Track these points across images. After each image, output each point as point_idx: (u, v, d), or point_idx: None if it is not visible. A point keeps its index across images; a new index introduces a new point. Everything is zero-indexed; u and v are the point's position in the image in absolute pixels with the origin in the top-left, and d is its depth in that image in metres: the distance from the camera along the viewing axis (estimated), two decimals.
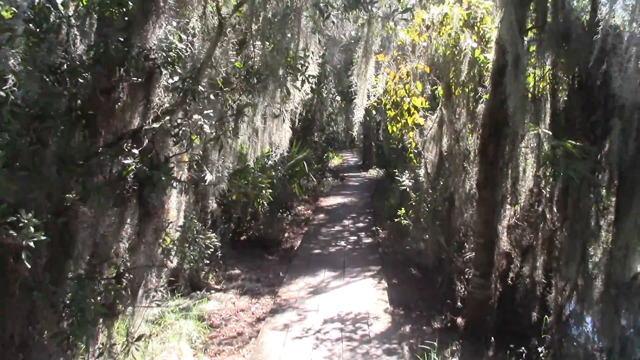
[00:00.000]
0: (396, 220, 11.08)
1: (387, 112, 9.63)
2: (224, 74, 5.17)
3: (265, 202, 14.84)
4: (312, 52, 5.63)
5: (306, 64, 5.32)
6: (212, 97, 4.65)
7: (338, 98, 15.82)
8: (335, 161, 34.59)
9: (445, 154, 10.17)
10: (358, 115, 7.59)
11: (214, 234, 5.86)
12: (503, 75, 7.30)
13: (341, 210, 17.57)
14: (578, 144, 5.69)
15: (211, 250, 5.66)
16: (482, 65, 8.65)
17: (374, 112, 13.87)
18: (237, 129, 5.91)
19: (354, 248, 12.79)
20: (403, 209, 10.53)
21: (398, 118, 9.37)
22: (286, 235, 14.70)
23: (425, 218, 9.50)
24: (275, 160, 14.56)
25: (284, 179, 16.33)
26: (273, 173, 14.63)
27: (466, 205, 9.47)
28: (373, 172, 29.15)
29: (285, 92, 5.37)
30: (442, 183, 9.96)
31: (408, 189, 10.26)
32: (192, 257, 5.30)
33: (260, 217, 14.73)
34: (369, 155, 33.32)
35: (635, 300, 5.94)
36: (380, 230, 15.06)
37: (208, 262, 11.39)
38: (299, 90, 5.63)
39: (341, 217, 16.34)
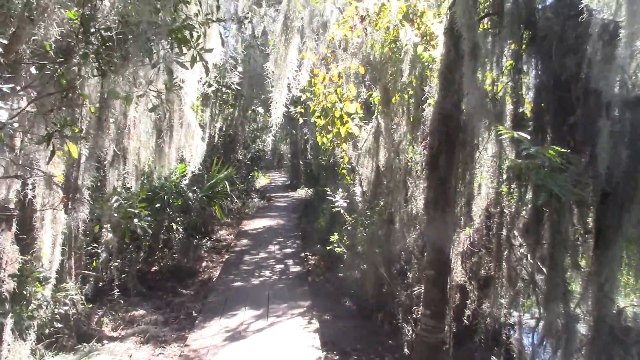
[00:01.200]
0: (328, 247, 9.59)
1: (316, 120, 8.19)
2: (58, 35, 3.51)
3: (179, 228, 13.14)
4: (211, 15, 4.03)
5: (199, 32, 3.71)
6: (33, 70, 3.01)
7: (261, 109, 14.25)
8: (261, 181, 32.99)
9: (383, 169, 8.87)
10: (276, 113, 6.02)
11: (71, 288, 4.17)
12: (454, 71, 6.06)
13: (267, 234, 15.96)
14: (563, 151, 4.39)
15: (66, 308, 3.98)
16: (425, 64, 7.38)
17: (299, 119, 12.41)
18: (101, 126, 4.25)
19: (280, 278, 11.19)
20: (335, 234, 9.04)
21: (329, 127, 7.94)
22: (204, 264, 12.95)
23: (362, 244, 8.07)
24: (188, 180, 12.89)
25: (202, 200, 14.65)
26: (190, 194, 12.93)
27: (409, 229, 8.15)
28: (301, 192, 27.77)
29: (164, 72, 3.75)
30: (380, 203, 8.61)
31: (342, 211, 8.81)
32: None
33: (175, 244, 12.97)
34: (297, 175, 31.92)
35: (635, 349, 4.65)
36: (310, 257, 13.58)
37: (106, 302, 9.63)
38: (188, 70, 3.99)
39: (267, 242, 14.73)
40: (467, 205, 6.51)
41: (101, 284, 10.38)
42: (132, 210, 8.75)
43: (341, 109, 7.84)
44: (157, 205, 12.27)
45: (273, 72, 5.82)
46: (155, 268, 12.57)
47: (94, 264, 11.01)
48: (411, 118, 7.75)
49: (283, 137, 41.34)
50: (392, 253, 8.44)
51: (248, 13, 12.97)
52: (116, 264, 11.61)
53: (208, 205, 15.42)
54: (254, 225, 17.54)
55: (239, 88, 13.70)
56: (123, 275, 11.43)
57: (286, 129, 36.38)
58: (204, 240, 14.74)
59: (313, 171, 27.00)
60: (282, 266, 12.24)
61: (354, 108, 7.86)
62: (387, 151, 8.75)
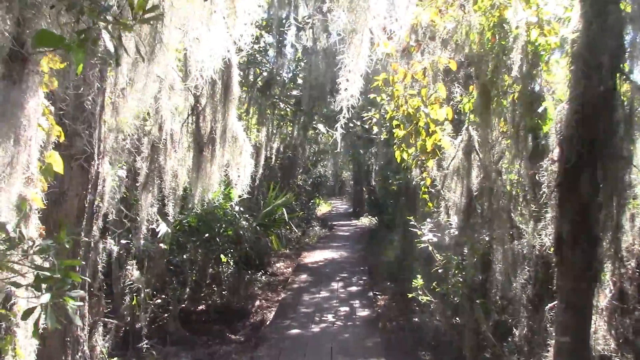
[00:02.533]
0: (410, 295, 7.68)
1: (394, 130, 6.41)
2: None
3: (229, 260, 11.57)
4: None
5: None
6: None
7: (322, 128, 12.64)
8: (323, 208, 31.38)
9: (476, 193, 7.01)
10: (351, 89, 4.18)
11: None
12: (599, 51, 4.21)
13: (329, 269, 14.16)
14: None
15: None
16: (541, 53, 5.55)
17: (373, 127, 10.70)
18: None
19: (346, 325, 9.34)
20: (419, 277, 7.11)
21: (411, 139, 6.16)
22: (257, 303, 11.27)
23: (458, 293, 6.15)
24: (239, 207, 11.35)
25: (257, 229, 13.07)
26: (242, 222, 11.35)
27: (514, 271, 6.22)
28: (365, 221, 26.00)
29: None
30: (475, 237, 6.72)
31: (430, 247, 6.88)
32: None
33: (224, 280, 11.38)
34: (360, 202, 30.20)
35: None
36: (379, 296, 11.70)
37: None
38: None
39: (329, 278, 12.92)
40: (614, 241, 4.57)
41: (139, 325, 8.89)
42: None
43: (427, 115, 6.05)
44: (206, 234, 10.79)
45: (340, 35, 4.05)
46: (201, 307, 11.00)
47: (134, 301, 9.63)
48: (520, 123, 5.87)
49: (345, 162, 39.95)
50: (488, 302, 6.52)
51: (309, 18, 11.47)
52: (159, 301, 10.20)
53: (263, 235, 13.86)
54: (314, 257, 15.80)
55: (297, 103, 12.15)
56: (166, 315, 9.97)
57: (349, 153, 34.91)
58: (258, 275, 13.13)
59: (377, 198, 25.23)
60: (347, 309, 10.38)
61: (444, 114, 6.05)
62: (483, 170, 6.90)
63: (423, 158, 6.31)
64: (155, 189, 7.32)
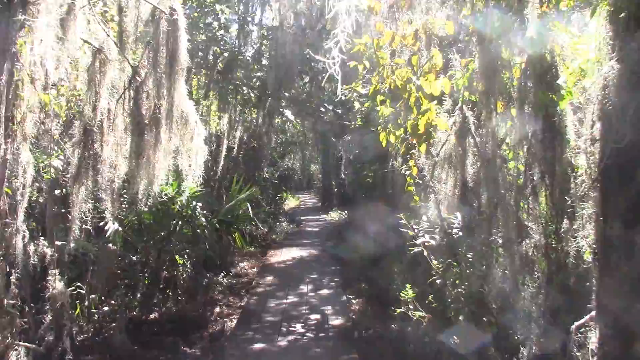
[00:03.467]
0: (397, 310, 6.48)
1: (379, 107, 5.22)
2: None
3: (186, 262, 10.29)
4: None
5: None
6: None
7: (290, 114, 11.40)
8: (291, 203, 30.15)
9: (471, 185, 5.96)
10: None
11: None
12: None
13: (297, 269, 12.96)
14: None
15: None
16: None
17: (355, 103, 9.56)
18: None
19: (317, 337, 8.17)
20: (408, 287, 5.87)
21: (399, 119, 5.00)
22: (217, 310, 10.01)
23: (461, 311, 4.99)
24: (198, 203, 10.12)
25: (219, 226, 11.86)
26: (202, 219, 10.10)
27: (522, 276, 5.14)
28: (334, 215, 24.86)
29: None
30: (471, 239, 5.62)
31: (425, 252, 5.67)
32: None
33: (181, 283, 10.09)
34: (329, 196, 29.09)
35: None
36: (353, 300, 10.56)
37: None
38: None
39: (297, 280, 11.71)
40: None
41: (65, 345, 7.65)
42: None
43: (419, 89, 4.89)
44: (160, 233, 9.54)
45: None
46: (154, 315, 9.71)
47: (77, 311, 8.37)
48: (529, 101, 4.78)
49: (314, 154, 38.71)
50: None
51: None
52: (106, 308, 8.92)
53: (226, 233, 12.61)
54: (281, 256, 14.57)
55: (262, 86, 10.90)
56: (113, 325, 8.72)
57: (319, 144, 33.63)
58: (220, 277, 11.86)
59: (348, 192, 24.06)
60: (318, 316, 9.21)
61: (440, 87, 4.90)
62: (480, 158, 5.81)
63: (414, 141, 5.15)
64: (90, 180, 6.06)
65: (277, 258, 14.22)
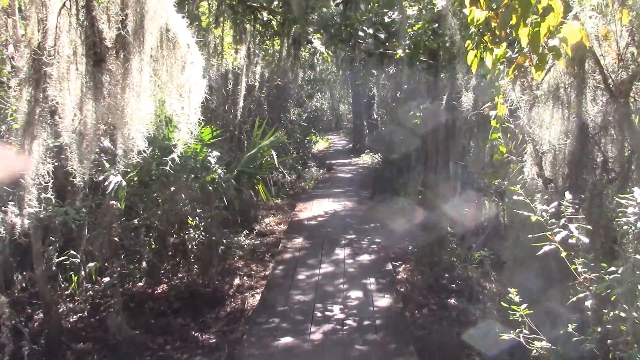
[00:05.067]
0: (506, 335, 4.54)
1: (468, 8, 3.21)
2: None
3: (200, 224, 8.59)
4: None
5: None
6: None
7: (318, 44, 9.34)
8: (319, 145, 28.26)
9: (596, 132, 4.04)
10: None
11: None
12: None
13: (331, 227, 11.12)
14: None
15: None
16: None
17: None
18: None
19: (361, 326, 6.39)
20: (514, 293, 3.83)
21: (499, 30, 3.01)
22: (236, 282, 8.38)
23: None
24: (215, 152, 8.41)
25: (240, 178, 10.14)
26: (218, 171, 8.34)
27: None
28: (366, 158, 23.01)
29: None
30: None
31: (564, 254, 3.64)
32: None
33: (193, 250, 8.41)
34: (360, 138, 27.08)
35: None
36: (400, 267, 8.81)
37: None
38: None
39: (332, 242, 9.89)
40: None
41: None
42: None
43: None
44: (172, 188, 7.87)
45: None
46: (161, 288, 8.13)
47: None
48: None
49: (344, 92, 36.41)
50: None
51: None
52: (107, 279, 7.43)
53: (248, 185, 10.89)
54: (312, 210, 12.75)
55: (285, 8, 8.82)
56: (109, 303, 7.27)
57: (355, 78, 31.19)
58: (242, 237, 10.18)
59: (382, 134, 22.04)
60: (359, 294, 7.43)
61: None
62: (608, 90, 3.86)
63: (525, 63, 3.17)
64: (45, 131, 4.31)
65: (307, 213, 12.42)
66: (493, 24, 3.12)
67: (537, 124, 4.28)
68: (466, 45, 3.52)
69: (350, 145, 28.61)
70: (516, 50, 3.16)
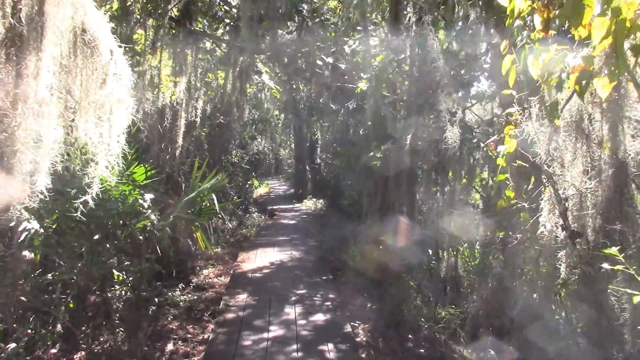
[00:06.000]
0: None
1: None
2: None
3: (127, 278, 7.33)
4: None
5: None
6: None
7: (266, 78, 8.38)
8: (260, 190, 27.19)
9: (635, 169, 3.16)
10: None
11: None
12: None
13: (278, 280, 9.96)
14: None
15: None
16: None
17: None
18: None
19: None
20: None
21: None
22: (169, 347, 7.10)
23: None
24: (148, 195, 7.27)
25: (175, 225, 8.91)
26: (152, 217, 7.15)
27: None
28: (309, 204, 22.14)
29: None
30: None
31: None
32: None
33: (118, 309, 7.12)
34: (303, 183, 26.21)
35: None
36: (359, 328, 7.74)
37: None
38: None
39: (281, 299, 8.72)
40: None
41: None
42: None
43: None
44: (96, 236, 6.62)
45: None
46: (79, 357, 6.78)
47: None
48: None
49: (283, 138, 35.65)
50: None
51: None
52: (12, 347, 6.05)
53: (185, 233, 9.67)
54: (256, 260, 11.57)
55: (232, 32, 7.85)
56: None
57: (290, 128, 30.59)
58: (177, 292, 8.94)
59: (325, 178, 21.25)
60: None
61: None
62: None
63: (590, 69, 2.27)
64: None
65: (251, 263, 11.22)
66: (539, 17, 2.22)
67: (559, 162, 3.41)
68: (502, 49, 2.62)
69: (292, 191, 27.72)
70: (576, 51, 2.27)
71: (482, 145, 6.46)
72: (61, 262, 6.63)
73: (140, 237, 7.03)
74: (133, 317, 6.91)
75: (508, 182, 3.69)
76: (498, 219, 3.98)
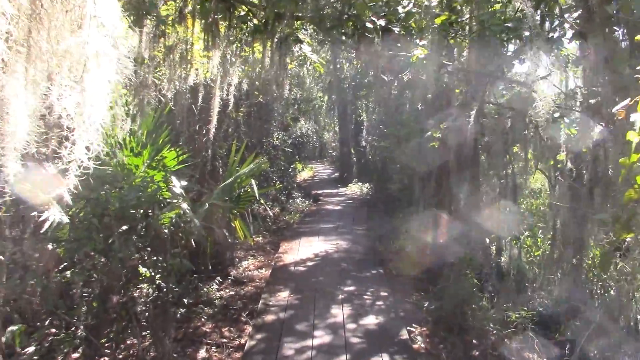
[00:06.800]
0: None
1: None
2: None
3: (157, 277, 6.54)
4: None
5: None
6: None
7: (306, 49, 7.41)
8: (304, 174, 26.35)
9: None
10: None
11: None
12: None
13: (324, 275, 8.98)
14: None
15: None
16: None
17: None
18: None
19: None
20: None
21: None
22: (201, 354, 6.27)
23: None
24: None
25: (212, 214, 8.13)
26: (184, 206, 6.34)
27: None
28: (355, 188, 21.18)
29: None
30: None
31: None
32: None
33: (144, 311, 6.35)
34: (348, 167, 25.26)
35: None
36: (416, 331, 6.76)
37: None
38: None
39: (326, 297, 7.76)
40: None
41: None
42: None
43: None
44: (124, 227, 5.93)
45: None
46: None
47: None
48: None
49: (327, 121, 34.69)
50: None
51: None
52: (30, 350, 5.36)
53: (223, 221, 8.88)
54: (299, 251, 10.66)
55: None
56: None
57: (334, 110, 29.56)
58: (213, 287, 8.17)
59: (372, 162, 20.20)
60: None
61: None
62: None
63: None
64: None
65: (294, 255, 10.32)
66: None
67: None
68: None
69: (337, 174, 26.79)
70: None
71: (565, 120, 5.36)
72: (80, 258, 5.91)
73: (166, 230, 6.23)
74: (159, 320, 6.12)
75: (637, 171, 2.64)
76: (614, 215, 2.94)
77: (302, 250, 10.59)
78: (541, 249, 10.50)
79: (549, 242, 10.20)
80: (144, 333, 6.20)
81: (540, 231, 11.08)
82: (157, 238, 6.00)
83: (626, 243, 2.90)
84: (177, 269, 6.42)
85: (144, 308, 6.21)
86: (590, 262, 9.27)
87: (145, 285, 6.40)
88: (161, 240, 6.03)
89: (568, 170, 6.21)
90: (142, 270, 6.25)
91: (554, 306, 8.61)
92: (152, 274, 6.25)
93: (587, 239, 8.18)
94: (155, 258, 6.22)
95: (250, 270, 9.61)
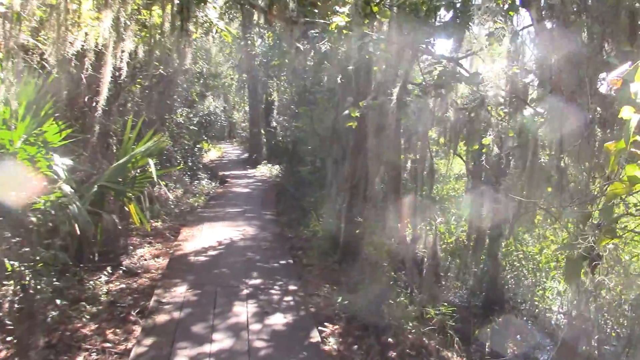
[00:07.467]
0: None
1: None
2: None
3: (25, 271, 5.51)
4: None
5: None
6: None
7: (213, 15, 6.51)
8: (212, 154, 25.26)
9: None
10: None
11: None
12: None
13: (227, 266, 8.14)
14: None
15: None
16: None
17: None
18: None
19: None
20: None
21: None
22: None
23: None
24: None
25: (102, 197, 7.21)
26: (66, 188, 5.31)
27: None
28: (264, 170, 20.49)
29: None
30: None
31: None
32: None
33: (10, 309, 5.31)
34: (258, 147, 24.49)
35: None
36: (327, 331, 6.14)
37: None
38: None
39: (229, 291, 6.97)
40: None
41: None
42: None
43: None
44: None
45: None
46: None
47: None
48: None
49: (237, 100, 33.58)
50: None
51: None
52: None
53: (115, 205, 7.95)
54: (201, 238, 9.77)
55: None
56: None
57: (244, 89, 28.52)
58: (102, 279, 7.21)
59: (282, 143, 19.52)
60: None
61: None
62: None
63: None
64: None
65: (195, 242, 9.42)
66: None
67: None
68: None
69: (246, 155, 25.93)
70: None
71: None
72: None
73: (39, 216, 5.25)
74: (25, 325, 5.13)
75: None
76: (585, 214, 2.35)
77: (204, 238, 9.71)
78: (454, 236, 10.24)
79: (463, 230, 9.94)
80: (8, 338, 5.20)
81: (452, 218, 10.83)
82: (21, 226, 5.00)
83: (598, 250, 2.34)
84: (52, 262, 5.47)
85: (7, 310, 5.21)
86: (505, 249, 9.05)
87: (10, 282, 5.38)
88: (26, 230, 5.03)
89: (495, 155, 5.74)
90: (8, 264, 5.24)
91: (470, 297, 8.32)
92: (21, 269, 5.25)
93: (504, 229, 7.88)
94: (24, 250, 5.23)
95: (145, 260, 8.66)
